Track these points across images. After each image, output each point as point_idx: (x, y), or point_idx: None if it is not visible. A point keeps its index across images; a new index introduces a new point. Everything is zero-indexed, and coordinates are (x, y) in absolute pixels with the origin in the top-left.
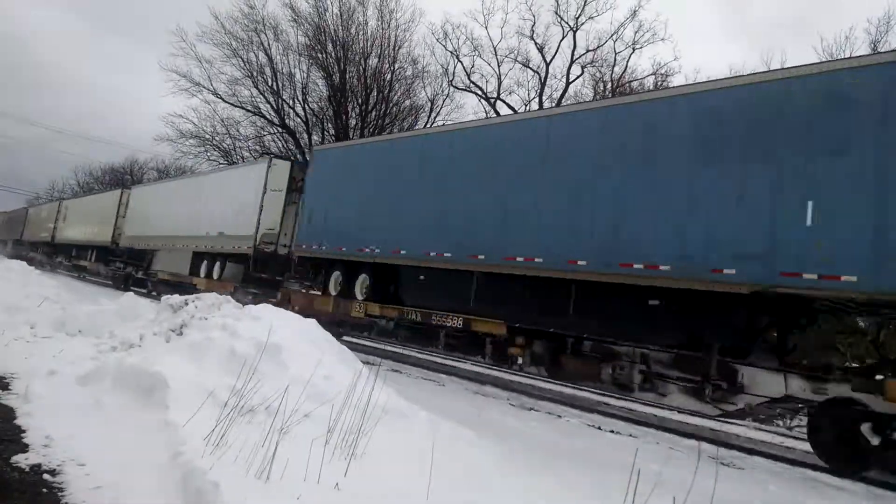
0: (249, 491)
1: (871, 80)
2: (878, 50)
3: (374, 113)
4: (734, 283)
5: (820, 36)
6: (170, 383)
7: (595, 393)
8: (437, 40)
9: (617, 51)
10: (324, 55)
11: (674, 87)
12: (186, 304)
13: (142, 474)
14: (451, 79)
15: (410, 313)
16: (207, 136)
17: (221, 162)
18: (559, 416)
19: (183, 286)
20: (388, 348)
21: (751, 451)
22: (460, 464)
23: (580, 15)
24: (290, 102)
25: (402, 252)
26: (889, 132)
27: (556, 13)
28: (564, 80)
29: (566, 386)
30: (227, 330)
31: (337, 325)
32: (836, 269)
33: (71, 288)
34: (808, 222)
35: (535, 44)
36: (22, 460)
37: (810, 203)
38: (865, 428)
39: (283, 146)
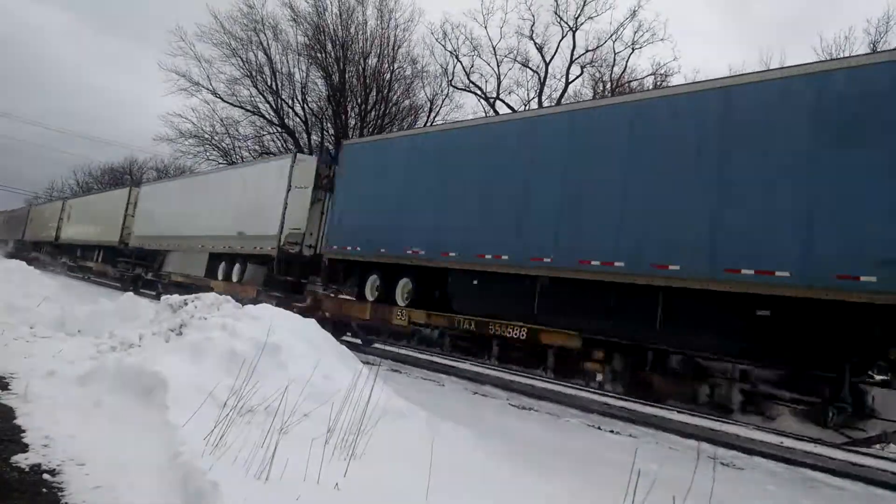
0: (249, 491)
1: None
2: (877, 50)
3: (373, 113)
4: (876, 292)
5: (819, 36)
6: (169, 383)
7: (595, 393)
8: (437, 40)
9: (616, 51)
10: (323, 55)
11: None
12: (186, 304)
13: (141, 474)
14: (450, 79)
15: (462, 322)
16: (207, 136)
17: (221, 162)
18: (559, 417)
19: (199, 289)
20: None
21: (750, 452)
22: (460, 464)
23: (579, 15)
24: (290, 102)
25: (452, 254)
26: None
27: (556, 13)
28: (564, 80)
29: (565, 386)
30: (227, 330)
31: (368, 332)
32: None
33: (71, 288)
34: None
35: (535, 44)
36: (21, 460)
37: None
38: None
39: (282, 146)
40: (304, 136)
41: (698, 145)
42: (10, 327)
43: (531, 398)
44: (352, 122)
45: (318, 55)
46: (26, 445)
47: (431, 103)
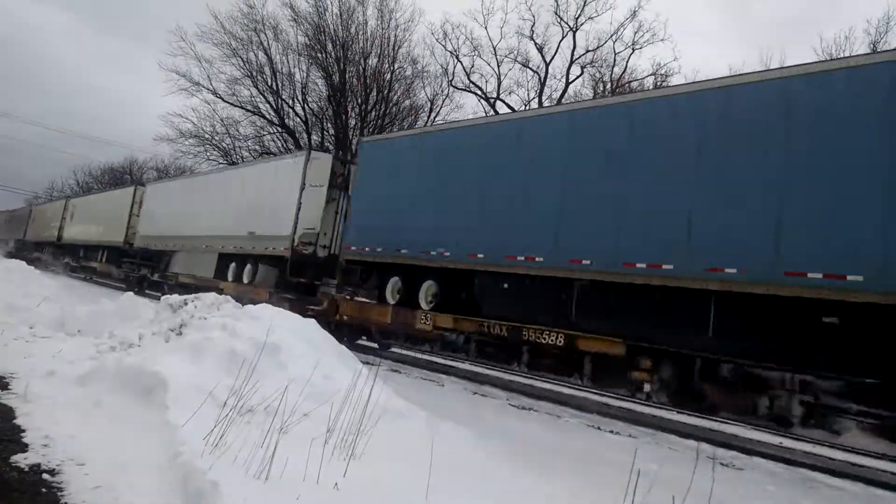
0: (249, 491)
1: None
2: (878, 50)
3: (373, 113)
4: None
5: (819, 36)
6: (169, 383)
7: (594, 393)
8: (437, 40)
9: (616, 51)
10: (323, 55)
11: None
12: (186, 303)
13: (141, 474)
14: (450, 79)
15: (493, 327)
16: (207, 136)
17: (221, 162)
18: (558, 417)
19: (208, 291)
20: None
21: (749, 452)
22: (460, 464)
23: (580, 15)
24: (290, 102)
25: (480, 256)
26: None
27: (556, 13)
28: (564, 80)
29: (565, 386)
30: (227, 330)
31: (385, 336)
32: None
33: (72, 289)
34: None
35: (535, 44)
36: (21, 460)
37: None
38: None
39: (282, 146)
40: (305, 136)
41: (764, 143)
42: (10, 327)
43: (531, 398)
44: (352, 122)
45: (319, 55)
46: (26, 445)
47: (432, 103)
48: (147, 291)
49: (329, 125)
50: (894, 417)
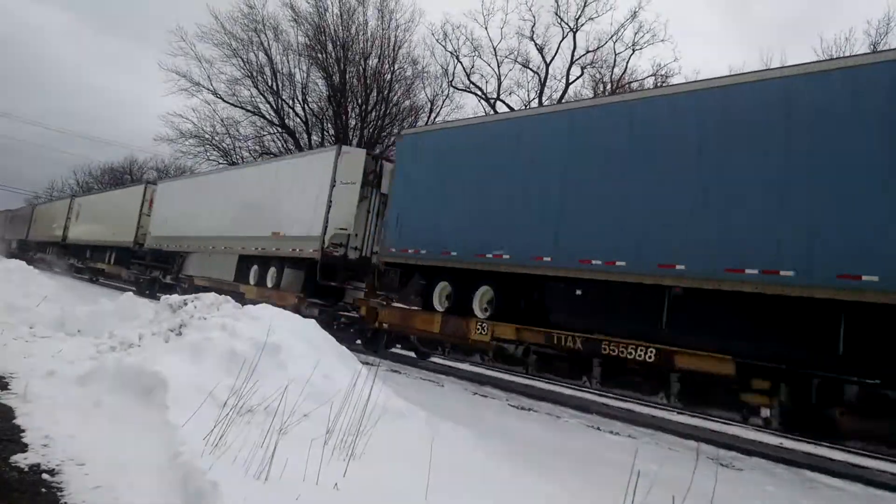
0: (248, 491)
1: None
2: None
3: (373, 113)
4: None
5: (820, 37)
6: (169, 383)
7: (594, 394)
8: (437, 41)
9: (617, 52)
10: (324, 55)
11: None
12: (185, 304)
13: (141, 474)
14: (450, 79)
15: (565, 339)
16: (207, 136)
17: (221, 162)
18: (558, 417)
19: (228, 295)
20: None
21: (749, 452)
22: (459, 464)
23: (580, 16)
24: (290, 102)
25: (547, 259)
26: None
27: (556, 14)
28: (564, 80)
29: (565, 386)
30: (227, 330)
31: (426, 345)
32: None
33: (74, 289)
34: None
35: (535, 44)
36: (21, 460)
37: None
38: None
39: (282, 146)
40: (305, 136)
41: None
42: (10, 327)
43: (531, 399)
44: (352, 122)
45: (319, 56)
46: (26, 445)
47: (432, 104)
48: (159, 294)
49: (329, 125)
50: None
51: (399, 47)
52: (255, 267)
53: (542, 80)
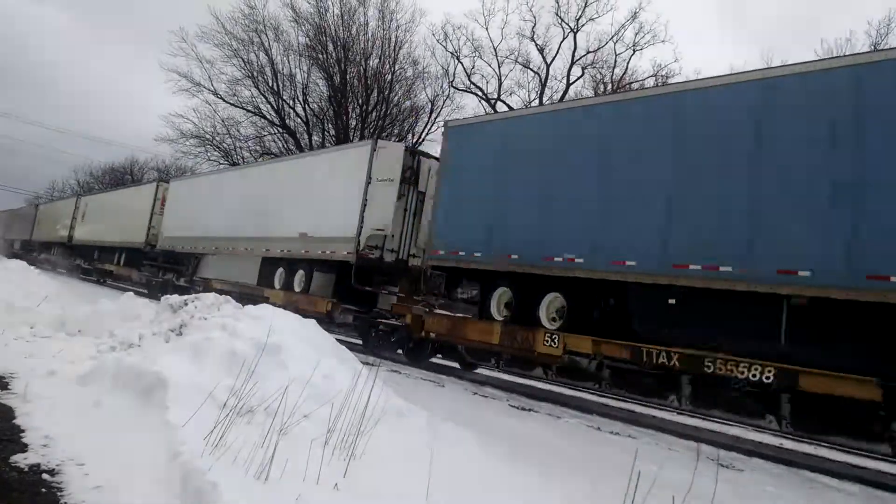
0: (249, 491)
1: None
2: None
3: (374, 113)
4: None
5: (821, 38)
6: (169, 383)
7: (594, 394)
8: (438, 41)
9: (617, 52)
10: (324, 55)
11: None
12: (186, 304)
13: (141, 474)
14: (451, 80)
15: (657, 355)
16: (208, 136)
17: (222, 162)
18: (559, 418)
19: (252, 299)
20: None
21: (750, 453)
22: (460, 464)
23: (581, 16)
24: (291, 103)
25: (630, 263)
26: None
27: (557, 14)
28: (565, 81)
29: (565, 386)
30: (227, 330)
31: (476, 356)
32: None
33: (74, 289)
34: None
35: (536, 45)
36: (21, 460)
37: None
38: None
39: (283, 146)
40: (306, 136)
41: None
42: (11, 327)
43: (531, 399)
44: (353, 122)
45: (320, 56)
46: (26, 445)
47: (432, 104)
48: None
49: (330, 126)
50: None
51: (400, 48)
52: (280, 270)
53: (543, 80)
